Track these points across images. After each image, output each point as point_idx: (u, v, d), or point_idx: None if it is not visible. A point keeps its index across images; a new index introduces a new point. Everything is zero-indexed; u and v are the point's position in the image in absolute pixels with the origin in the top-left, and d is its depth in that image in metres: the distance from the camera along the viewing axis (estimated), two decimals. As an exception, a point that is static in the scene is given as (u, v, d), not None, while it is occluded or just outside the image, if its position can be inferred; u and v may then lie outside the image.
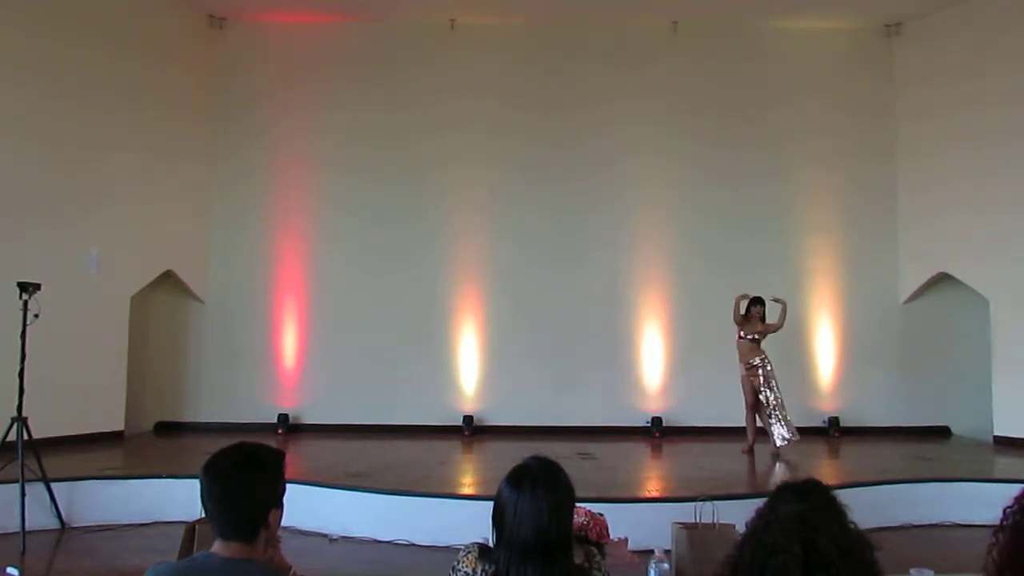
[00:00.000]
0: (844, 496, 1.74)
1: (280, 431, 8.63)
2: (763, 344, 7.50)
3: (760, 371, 7.35)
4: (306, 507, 5.37)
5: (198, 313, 9.13)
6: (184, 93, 8.92)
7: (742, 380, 7.54)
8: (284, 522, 1.95)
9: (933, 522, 5.75)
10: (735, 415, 7.71)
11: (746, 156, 9.14)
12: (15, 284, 5.54)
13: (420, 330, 9.02)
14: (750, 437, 7.51)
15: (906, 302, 9.11)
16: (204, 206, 9.10)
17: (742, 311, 7.51)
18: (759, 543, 1.57)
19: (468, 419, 8.79)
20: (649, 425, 8.73)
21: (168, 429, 8.86)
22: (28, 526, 5.15)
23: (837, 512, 1.63)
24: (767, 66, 9.31)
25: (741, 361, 7.51)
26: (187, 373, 9.04)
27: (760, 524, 1.62)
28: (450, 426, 8.73)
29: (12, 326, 5.55)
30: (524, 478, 1.98)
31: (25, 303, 5.49)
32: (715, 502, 3.75)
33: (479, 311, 9.10)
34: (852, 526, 1.62)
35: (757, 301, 7.53)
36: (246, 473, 1.84)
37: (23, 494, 5.21)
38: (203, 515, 1.98)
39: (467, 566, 2.01)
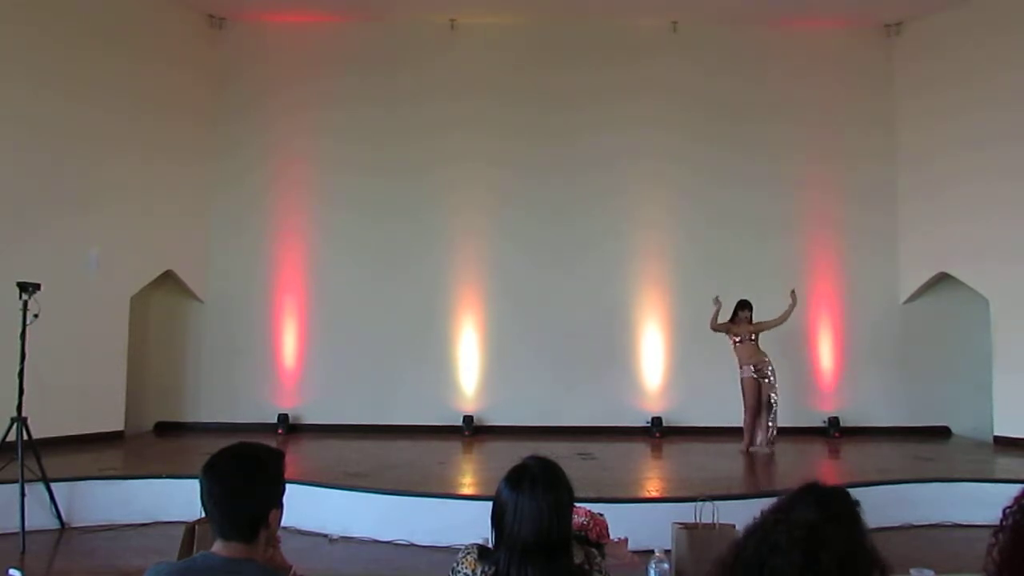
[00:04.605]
0: (844, 496, 1.73)
1: (280, 431, 8.63)
2: (763, 346, 7.52)
3: (771, 377, 7.43)
4: (306, 507, 5.37)
5: (198, 313, 9.12)
6: (184, 93, 8.92)
7: (744, 383, 7.53)
8: (284, 522, 1.95)
9: (933, 522, 5.74)
10: (735, 415, 7.69)
11: (746, 156, 9.13)
12: (15, 284, 5.53)
13: (420, 330, 9.02)
14: (747, 438, 7.50)
15: (906, 302, 9.10)
16: (204, 206, 9.10)
17: (720, 318, 7.54)
18: (764, 537, 1.55)
19: (468, 419, 8.78)
20: (649, 425, 8.73)
21: (168, 429, 8.85)
22: (28, 526, 5.15)
23: (852, 529, 1.56)
24: (767, 66, 9.31)
25: (745, 364, 7.48)
26: (187, 373, 9.04)
27: (771, 519, 1.59)
28: (450, 426, 8.72)
29: (12, 326, 5.55)
30: (523, 478, 1.97)
31: (25, 303, 5.49)
32: (715, 502, 3.75)
33: (479, 311, 9.10)
34: (866, 545, 1.55)
35: (744, 305, 7.55)
36: (246, 473, 1.84)
37: (23, 494, 5.20)
38: (203, 515, 1.98)
39: (467, 567, 2.01)
